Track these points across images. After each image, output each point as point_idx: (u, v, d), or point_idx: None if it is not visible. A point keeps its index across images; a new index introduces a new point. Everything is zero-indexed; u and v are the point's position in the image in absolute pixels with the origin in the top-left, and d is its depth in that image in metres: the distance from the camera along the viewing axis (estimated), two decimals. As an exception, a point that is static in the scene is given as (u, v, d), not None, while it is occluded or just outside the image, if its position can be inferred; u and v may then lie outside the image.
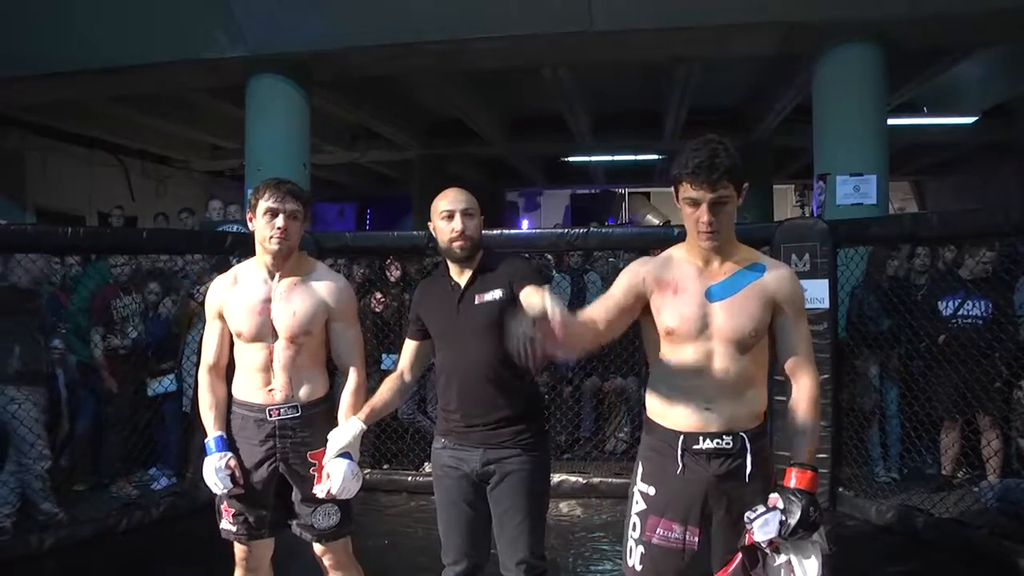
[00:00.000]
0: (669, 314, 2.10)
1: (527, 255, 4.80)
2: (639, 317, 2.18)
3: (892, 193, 11.77)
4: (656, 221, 16.81)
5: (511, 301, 2.49)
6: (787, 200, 17.47)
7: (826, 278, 4.69)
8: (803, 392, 2.11)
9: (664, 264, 2.17)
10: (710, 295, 2.10)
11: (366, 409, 2.60)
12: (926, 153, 13.79)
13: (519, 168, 15.58)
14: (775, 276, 2.14)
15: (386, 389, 2.65)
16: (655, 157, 14.53)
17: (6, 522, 4.32)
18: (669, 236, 4.35)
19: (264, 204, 2.61)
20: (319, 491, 2.53)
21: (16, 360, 4.38)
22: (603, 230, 5.61)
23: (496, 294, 2.53)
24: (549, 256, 6.40)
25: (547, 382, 6.01)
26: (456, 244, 2.54)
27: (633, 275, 2.16)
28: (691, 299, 2.10)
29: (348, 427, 2.56)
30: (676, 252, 2.18)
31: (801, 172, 14.01)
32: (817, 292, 4.61)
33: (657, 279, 2.14)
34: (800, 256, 4.69)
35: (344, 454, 2.52)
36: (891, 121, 7.16)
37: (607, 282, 6.77)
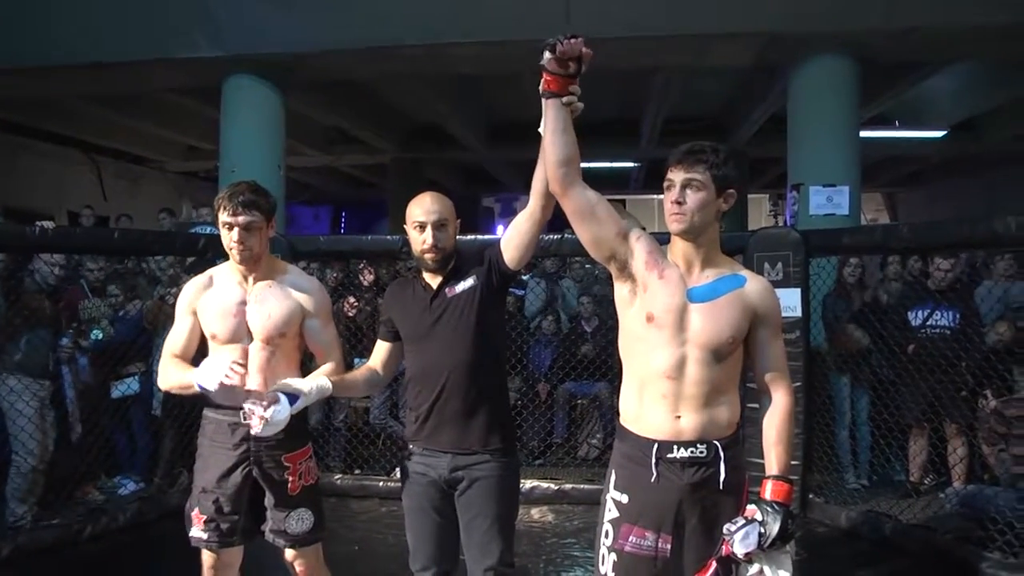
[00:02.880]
0: (653, 298, 2.10)
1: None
2: (615, 295, 2.17)
3: (864, 204, 11.94)
4: (564, 99, 16.68)
5: (487, 286, 2.50)
6: (761, 209, 17.61)
7: (799, 287, 4.72)
8: (779, 405, 2.12)
9: (658, 247, 2.17)
10: (691, 296, 2.09)
11: (336, 377, 2.58)
12: (898, 165, 13.99)
13: (496, 173, 15.56)
14: (756, 288, 2.14)
15: (359, 371, 2.64)
16: (631, 165, 14.60)
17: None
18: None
19: (221, 216, 2.58)
20: (253, 410, 2.36)
21: (20, 351, 4.37)
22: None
23: (470, 282, 2.52)
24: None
25: (519, 387, 6.00)
26: (428, 256, 2.53)
27: (633, 225, 2.18)
28: (674, 291, 2.09)
29: (313, 377, 2.53)
30: (665, 249, 2.19)
31: (775, 182, 14.14)
32: (790, 300, 4.64)
33: (650, 248, 2.14)
34: (773, 265, 4.72)
35: (293, 396, 2.42)
36: (864, 133, 7.25)
37: (583, 288, 6.78)
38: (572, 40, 1.99)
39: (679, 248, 2.13)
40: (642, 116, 10.83)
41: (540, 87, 2.09)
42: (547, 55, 2.02)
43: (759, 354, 2.13)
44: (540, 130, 2.17)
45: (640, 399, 2.13)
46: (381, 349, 2.68)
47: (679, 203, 2.05)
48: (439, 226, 2.53)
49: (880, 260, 5.91)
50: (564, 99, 2.09)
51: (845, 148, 6.55)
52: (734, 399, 2.13)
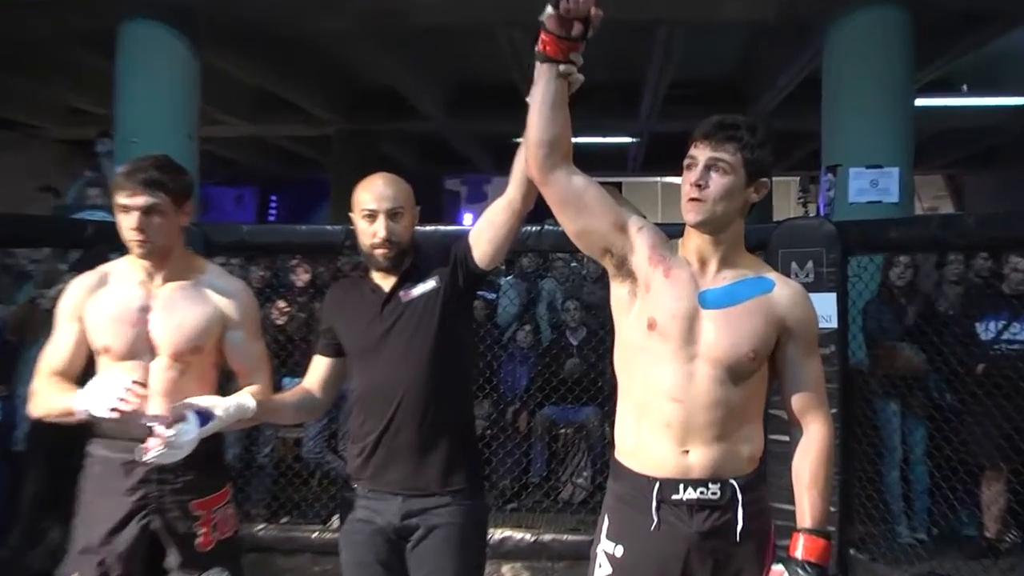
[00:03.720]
0: (655, 301, 2.11)
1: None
2: (611, 298, 2.20)
3: (921, 190, 11.97)
4: (561, 67, 16.79)
5: (452, 288, 2.53)
6: (789, 195, 17.77)
7: (833, 291, 4.74)
8: (814, 440, 2.13)
9: (664, 240, 2.19)
10: (704, 301, 2.11)
11: (263, 397, 2.55)
12: (964, 141, 14.04)
13: (463, 149, 15.60)
14: (787, 294, 2.15)
15: (290, 394, 2.63)
16: (628, 140, 14.66)
17: None
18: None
19: (117, 198, 2.51)
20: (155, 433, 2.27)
21: None
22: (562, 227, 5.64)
23: (431, 283, 2.55)
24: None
25: (489, 413, 5.99)
26: (379, 252, 2.55)
27: (633, 214, 2.22)
28: (683, 293, 2.11)
29: (234, 397, 2.49)
30: (675, 243, 2.22)
31: (806, 162, 14.22)
32: (824, 308, 4.64)
33: (654, 241, 2.17)
34: (802, 264, 4.73)
35: (205, 415, 2.37)
36: (920, 101, 7.32)
37: (568, 291, 6.80)
38: None
39: (693, 243, 2.15)
40: (642, 81, 10.87)
41: (536, 47, 2.09)
42: (548, 10, 2.02)
43: (789, 375, 2.14)
44: (529, 99, 2.18)
45: (638, 427, 2.13)
46: (319, 366, 2.68)
47: (699, 186, 2.07)
48: (393, 215, 2.54)
49: (937, 259, 5.96)
50: (562, 67, 2.09)
51: (895, 120, 6.63)
52: (756, 429, 2.14)
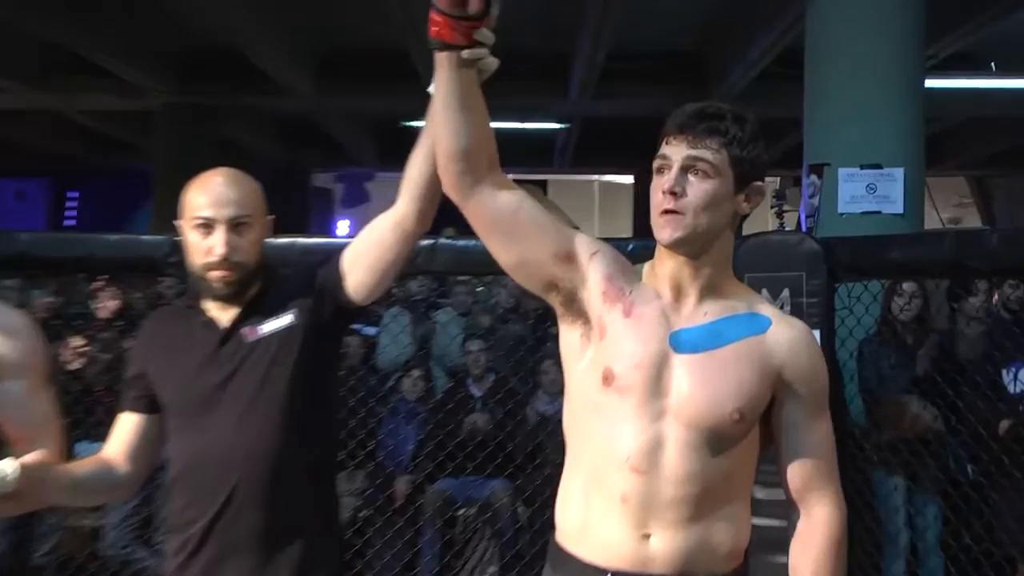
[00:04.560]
0: (613, 347, 2.13)
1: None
2: (560, 342, 2.24)
3: (939, 195, 12.15)
4: (465, 54, 16.95)
5: (315, 326, 2.54)
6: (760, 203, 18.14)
7: (817, 328, 4.79)
8: (818, 529, 2.17)
9: (625, 267, 2.23)
10: (677, 342, 2.12)
11: (43, 462, 2.46)
12: (993, 134, 14.47)
13: (337, 135, 15.64)
14: (787, 337, 2.16)
15: (86, 464, 2.56)
16: (555, 126, 14.77)
17: None
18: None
19: None
20: None
21: None
22: (464, 241, 5.58)
23: (286, 319, 2.56)
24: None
25: (363, 488, 5.93)
26: (217, 275, 2.53)
27: (580, 233, 2.26)
28: (649, 334, 2.13)
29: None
30: (640, 267, 2.26)
31: (785, 159, 14.49)
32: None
33: (610, 270, 2.20)
34: (775, 292, 4.75)
35: None
36: (933, 83, 7.48)
37: (470, 326, 6.78)
38: None
39: (667, 268, 2.17)
40: (572, 50, 10.96)
41: (428, 32, 2.08)
42: None
43: (788, 442, 2.16)
44: (430, 90, 2.19)
45: (587, 503, 2.15)
46: (126, 427, 2.62)
47: (674, 194, 2.07)
48: (237, 226, 2.51)
49: (952, 287, 6.08)
50: (465, 53, 2.09)
51: (899, 106, 6.76)
52: (740, 512, 2.16)
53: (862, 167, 6.63)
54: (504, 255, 2.20)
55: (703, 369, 2.09)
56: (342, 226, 19.42)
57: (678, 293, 2.15)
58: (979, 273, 5.18)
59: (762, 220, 17.06)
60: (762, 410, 2.14)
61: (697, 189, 2.07)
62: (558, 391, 6.25)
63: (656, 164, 2.12)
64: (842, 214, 6.60)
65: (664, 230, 2.09)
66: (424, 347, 6.74)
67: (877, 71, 6.75)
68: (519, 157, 16.43)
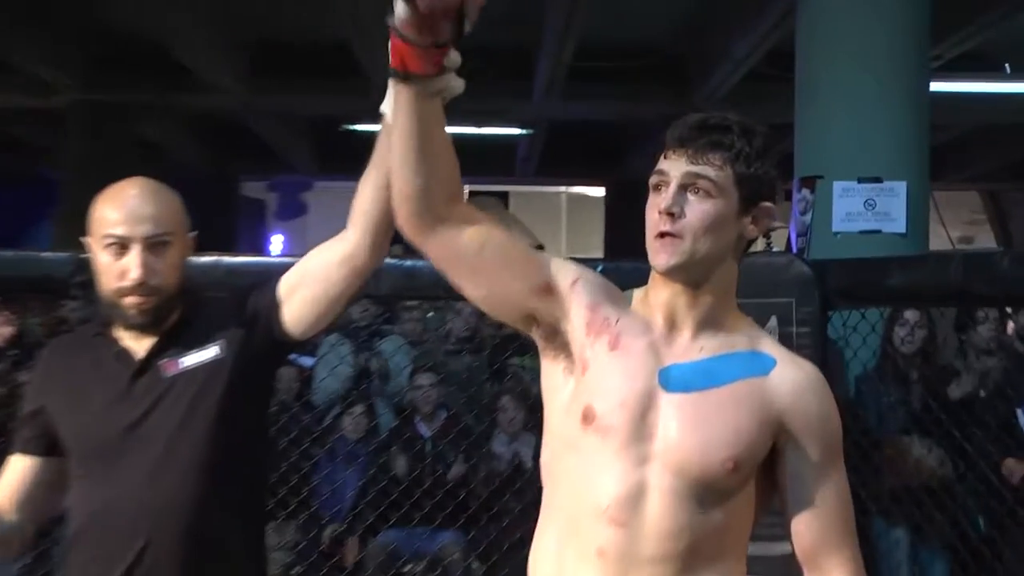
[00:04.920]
0: (595, 382, 2.14)
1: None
2: (542, 375, 2.25)
3: (949, 212, 12.15)
4: (430, 85, 16.99)
5: (244, 360, 2.54)
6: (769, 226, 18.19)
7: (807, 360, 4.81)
8: None
9: (612, 294, 2.24)
10: (667, 379, 2.11)
11: None
12: (1010, 143, 14.56)
13: (270, 139, 15.62)
14: (791, 380, 2.16)
15: None
16: (517, 131, 14.77)
17: None
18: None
19: None
20: None
21: None
22: (412, 262, 5.56)
23: (211, 351, 2.55)
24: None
25: (296, 541, 5.92)
26: (131, 301, 2.52)
27: (558, 260, 2.27)
28: (636, 369, 2.13)
29: None
30: (631, 294, 2.27)
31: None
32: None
33: (593, 300, 2.20)
34: (762, 320, 4.75)
35: None
36: (940, 86, 7.49)
37: (420, 356, 6.75)
38: None
39: (662, 296, 2.18)
40: (537, 45, 10.99)
41: (389, 62, 2.04)
42: (399, 9, 1.92)
43: (794, 498, 2.15)
44: (383, 110, 2.20)
45: (561, 555, 2.16)
46: (18, 471, 2.61)
47: (672, 215, 2.08)
48: (155, 245, 2.51)
49: (960, 316, 6.10)
50: (434, 84, 2.07)
51: (902, 112, 6.78)
52: (733, 571, 2.15)
53: (860, 180, 6.64)
54: (473, 293, 2.21)
55: (694, 411, 2.09)
56: (275, 242, 19.39)
57: (672, 325, 2.16)
58: (989, 300, 5.22)
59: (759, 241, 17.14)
60: (760, 459, 2.13)
61: (697, 210, 2.08)
62: (518, 430, 6.30)
63: (653, 181, 2.12)
64: (837, 233, 6.61)
65: (659, 255, 2.09)
66: (366, 380, 6.70)
67: (876, 72, 6.77)
68: (477, 166, 16.17)
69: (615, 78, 11.68)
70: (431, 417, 6.37)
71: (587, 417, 2.10)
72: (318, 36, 11.12)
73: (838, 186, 6.67)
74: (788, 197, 10.09)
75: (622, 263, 3.86)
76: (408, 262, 5.25)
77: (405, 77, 2.03)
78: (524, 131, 14.62)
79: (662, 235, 2.08)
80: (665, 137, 2.13)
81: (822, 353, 4.84)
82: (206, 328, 2.56)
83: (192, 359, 2.52)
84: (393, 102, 2.11)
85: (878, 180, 6.62)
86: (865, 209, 6.61)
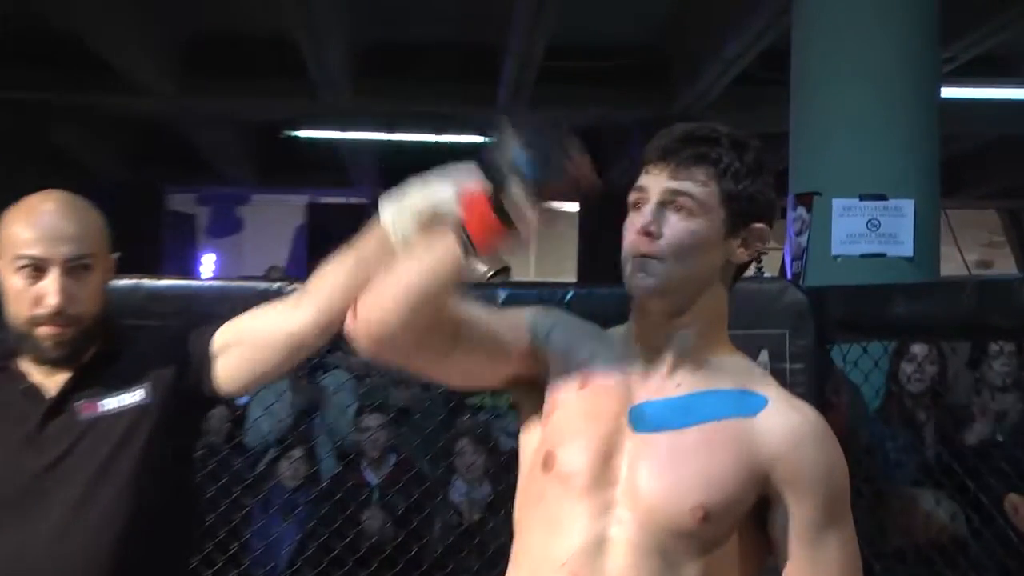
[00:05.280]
0: (560, 424, 2.17)
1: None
2: (519, 420, 2.30)
3: (964, 233, 12.19)
4: (480, 267, 17.05)
5: (169, 409, 2.54)
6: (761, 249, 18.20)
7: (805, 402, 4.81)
8: None
9: (588, 333, 2.29)
10: (637, 418, 2.11)
11: None
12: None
13: (201, 145, 15.69)
14: (785, 425, 2.14)
15: None
16: (479, 140, 14.74)
17: None
18: (514, 300, 4.31)
19: None
20: None
21: None
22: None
23: (136, 394, 2.53)
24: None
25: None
26: (47, 331, 2.49)
27: (537, 313, 2.31)
28: (603, 408, 2.15)
29: None
30: (615, 330, 2.30)
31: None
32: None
33: (568, 344, 2.25)
34: (751, 354, 4.74)
35: None
36: (952, 92, 7.48)
37: (366, 394, 6.72)
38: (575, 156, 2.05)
39: (640, 326, 2.21)
40: (502, 42, 10.99)
41: (456, 211, 2.11)
42: (518, 176, 2.04)
43: (790, 562, 2.13)
44: (391, 225, 2.26)
45: None
46: None
47: (649, 234, 2.10)
48: (74, 269, 2.48)
49: (974, 350, 6.10)
50: (483, 267, 2.14)
51: (909, 121, 6.81)
52: None
53: (862, 197, 6.65)
54: (444, 382, 2.31)
55: (663, 452, 2.09)
56: (206, 262, 19.30)
57: (649, 358, 2.17)
58: (1007, 333, 5.21)
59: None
60: (742, 512, 2.11)
61: (677, 229, 2.09)
62: (477, 477, 6.27)
63: (632, 198, 2.14)
64: (836, 257, 6.62)
65: (634, 278, 2.10)
66: (306, 420, 6.66)
67: (881, 76, 6.80)
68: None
69: (590, 80, 11.74)
70: (379, 462, 6.36)
71: (547, 463, 2.13)
72: (258, 30, 11.11)
73: (838, 204, 6.68)
74: (782, 216, 10.13)
75: (597, 288, 3.86)
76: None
77: (467, 243, 2.09)
78: (487, 139, 14.63)
79: (638, 256, 2.09)
80: (647, 149, 2.13)
81: (818, 392, 4.83)
82: (130, 366, 2.55)
83: (114, 401, 2.51)
84: (430, 241, 2.14)
85: (883, 197, 6.63)
86: (868, 230, 6.61)
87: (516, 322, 2.25)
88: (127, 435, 2.47)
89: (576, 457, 2.10)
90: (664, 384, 2.14)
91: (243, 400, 6.59)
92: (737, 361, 2.26)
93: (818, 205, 6.74)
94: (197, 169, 16.89)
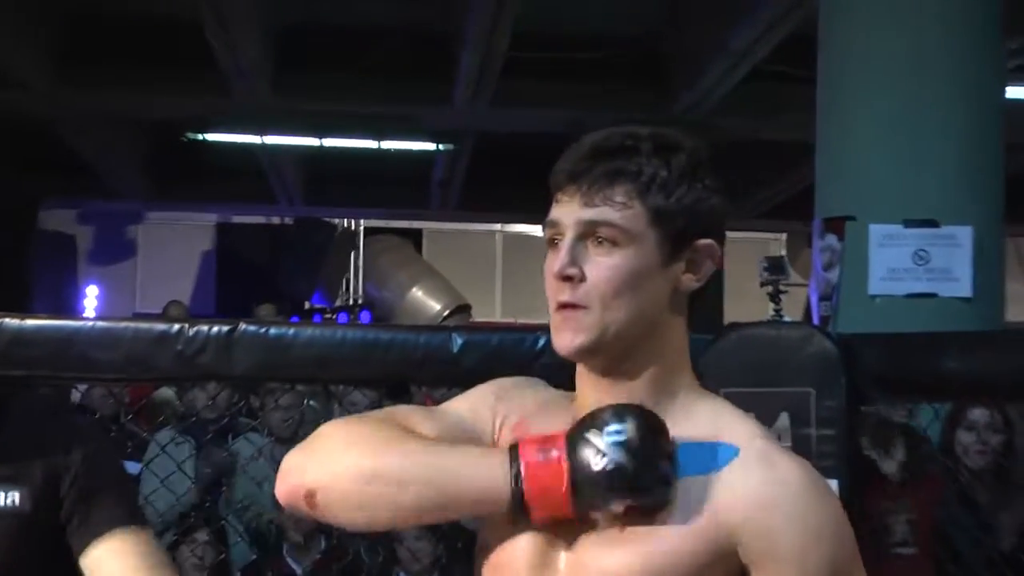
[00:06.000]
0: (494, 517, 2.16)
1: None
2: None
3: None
4: (434, 304, 17.55)
5: (44, 521, 2.51)
6: (749, 273, 18.21)
7: (832, 477, 4.78)
8: None
9: (542, 403, 2.30)
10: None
11: None
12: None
13: (83, 151, 15.68)
14: (751, 481, 2.12)
15: None
16: (431, 147, 14.80)
17: None
18: (473, 348, 4.30)
19: None
20: None
21: None
22: (279, 329, 5.55)
23: (10, 494, 2.54)
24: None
25: None
26: None
27: (480, 399, 2.32)
28: None
29: None
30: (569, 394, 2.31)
31: (789, 207, 14.68)
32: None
33: (519, 419, 2.26)
34: (768, 417, 4.75)
35: None
36: (1018, 92, 7.46)
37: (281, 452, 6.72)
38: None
39: (584, 384, 2.22)
40: (460, 29, 11.03)
41: (518, 461, 2.07)
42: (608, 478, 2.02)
43: None
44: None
45: None
46: None
47: (568, 279, 2.09)
48: None
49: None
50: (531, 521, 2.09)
51: (964, 131, 6.81)
52: None
53: (907, 224, 6.65)
54: None
55: (610, 527, 2.09)
56: (89, 296, 19.13)
57: None
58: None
59: (752, 302, 17.19)
60: None
61: (601, 268, 2.10)
62: (424, 568, 6.26)
63: (546, 234, 2.17)
64: (874, 297, 6.62)
65: (560, 334, 2.12)
66: (214, 495, 6.64)
67: (930, 73, 6.81)
68: (377, 194, 16.69)
69: (567, 76, 11.77)
70: (306, 547, 6.37)
71: (482, 550, 2.18)
72: (154, 11, 11.10)
73: (876, 231, 6.67)
74: (807, 245, 10.13)
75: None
76: (274, 330, 5.22)
77: (520, 500, 2.05)
78: (441, 147, 14.63)
79: (562, 307, 2.11)
80: (553, 172, 2.15)
81: (853, 465, 4.83)
82: (9, 453, 2.55)
83: None
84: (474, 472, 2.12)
85: (933, 224, 6.62)
86: (915, 264, 6.61)
87: (470, 433, 2.24)
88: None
89: (510, 547, 2.13)
90: None
91: (135, 469, 6.57)
92: (708, 405, 2.24)
93: (851, 232, 6.72)
94: (79, 179, 16.77)
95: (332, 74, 12.23)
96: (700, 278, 2.15)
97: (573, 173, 2.10)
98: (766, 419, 4.72)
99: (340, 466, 2.11)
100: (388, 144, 14.11)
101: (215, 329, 4.62)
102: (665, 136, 2.13)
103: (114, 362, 5.17)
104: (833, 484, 4.79)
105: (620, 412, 2.02)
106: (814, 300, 7.00)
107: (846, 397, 4.69)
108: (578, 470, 1.98)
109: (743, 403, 4.86)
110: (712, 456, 2.13)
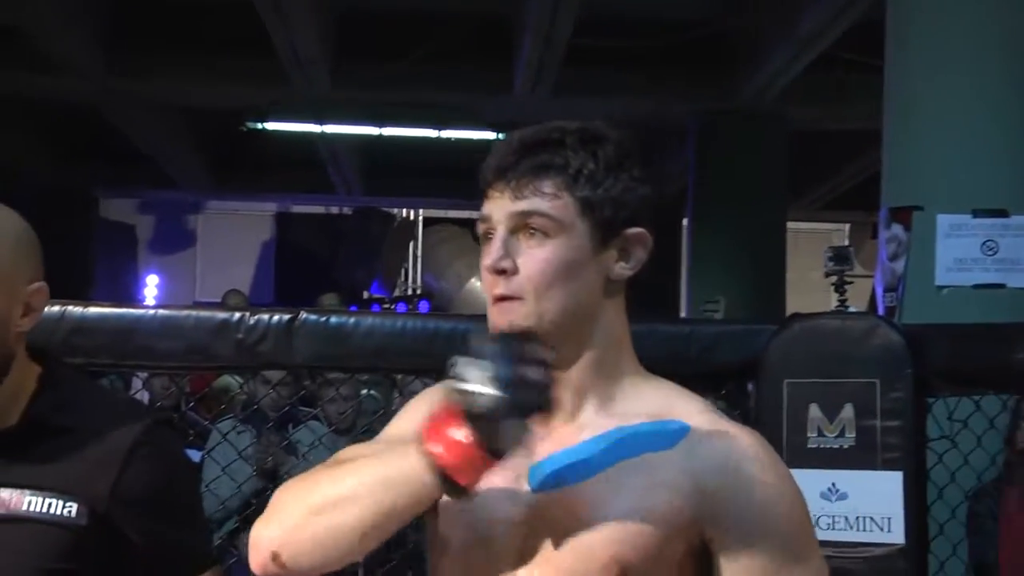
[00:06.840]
0: (451, 505, 2.17)
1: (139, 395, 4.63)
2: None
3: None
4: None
5: (98, 529, 2.45)
6: (814, 263, 18.14)
7: (899, 469, 4.75)
8: None
9: None
10: (536, 476, 2.11)
11: None
12: None
13: (141, 141, 15.72)
14: (707, 454, 2.17)
15: None
16: (491, 136, 14.79)
17: None
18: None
19: None
20: None
21: None
22: (340, 318, 5.53)
23: (65, 506, 2.44)
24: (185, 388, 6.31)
25: None
26: None
27: (416, 412, 2.32)
28: (498, 475, 2.15)
29: None
30: None
31: (855, 196, 14.59)
32: (874, 500, 4.67)
33: None
34: (831, 413, 4.73)
35: None
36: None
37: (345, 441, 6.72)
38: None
39: None
40: (520, 17, 11.01)
41: (423, 438, 2.08)
42: (480, 395, 2.02)
43: None
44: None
45: None
46: None
47: (502, 272, 2.16)
48: None
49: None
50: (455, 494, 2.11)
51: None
52: None
53: (975, 213, 6.61)
54: None
55: (567, 509, 2.12)
56: (150, 284, 19.21)
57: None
58: None
59: (815, 293, 17.10)
60: (669, 565, 2.15)
61: (533, 259, 2.15)
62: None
63: (479, 229, 2.25)
64: (942, 288, 6.57)
65: (499, 319, 2.16)
66: (274, 484, 6.67)
67: (1004, 56, 6.76)
68: (435, 183, 16.63)
69: (628, 64, 11.73)
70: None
71: (443, 547, 2.23)
72: (209, 6, 11.11)
73: (944, 221, 6.62)
74: (873, 235, 10.06)
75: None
76: (334, 319, 5.23)
77: (441, 474, 2.06)
78: (502, 136, 14.64)
79: (498, 300, 2.15)
80: (482, 168, 2.21)
81: (919, 459, 4.80)
82: (68, 462, 2.46)
83: (33, 502, 2.42)
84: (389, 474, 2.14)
85: (1003, 213, 6.58)
86: (983, 254, 6.56)
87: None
88: (30, 554, 2.42)
89: (464, 534, 2.18)
90: (569, 434, 2.16)
91: (195, 457, 6.59)
92: (654, 387, 2.29)
93: (918, 222, 6.68)
94: (137, 169, 16.87)
95: (390, 63, 12.19)
96: (632, 266, 2.21)
97: (501, 168, 2.16)
98: (829, 410, 4.72)
99: (290, 518, 2.13)
100: (447, 133, 14.08)
101: (276, 318, 4.64)
102: (592, 129, 2.19)
103: (175, 350, 5.21)
104: (898, 476, 4.78)
105: (478, 350, 2.04)
106: (879, 291, 6.95)
107: (912, 389, 4.67)
108: (471, 418, 1.99)
109: (806, 394, 4.87)
110: (665, 434, 2.15)
